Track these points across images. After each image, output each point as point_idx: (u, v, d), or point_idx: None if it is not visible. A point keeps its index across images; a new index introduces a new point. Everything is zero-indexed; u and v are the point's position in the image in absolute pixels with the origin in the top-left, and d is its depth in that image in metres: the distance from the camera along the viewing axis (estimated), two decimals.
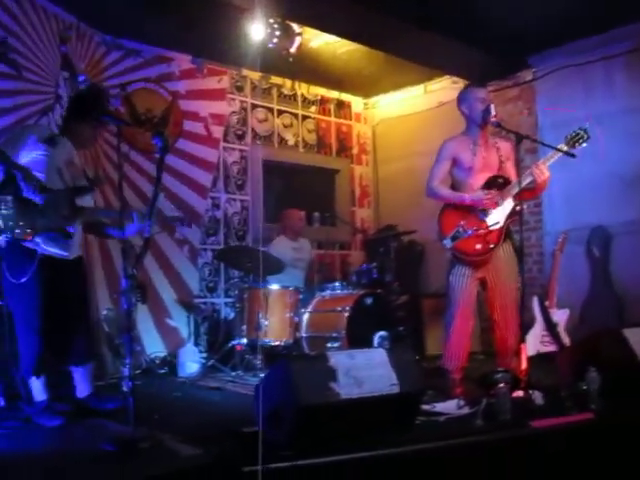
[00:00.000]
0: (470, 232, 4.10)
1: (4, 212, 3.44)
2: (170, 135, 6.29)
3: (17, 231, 3.44)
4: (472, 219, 4.16)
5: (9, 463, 2.82)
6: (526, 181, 4.02)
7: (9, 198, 3.42)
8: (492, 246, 4.15)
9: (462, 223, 4.13)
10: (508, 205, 4.17)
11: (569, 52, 6.22)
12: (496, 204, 4.15)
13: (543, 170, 4.04)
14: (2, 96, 4.92)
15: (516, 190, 4.10)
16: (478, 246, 4.15)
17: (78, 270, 3.85)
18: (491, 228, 4.13)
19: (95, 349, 4.06)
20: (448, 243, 4.14)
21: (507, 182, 4.21)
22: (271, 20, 5.41)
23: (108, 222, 3.94)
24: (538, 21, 5.52)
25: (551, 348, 5.58)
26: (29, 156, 3.56)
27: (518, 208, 4.10)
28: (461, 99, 4.34)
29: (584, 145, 4.02)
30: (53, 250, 3.61)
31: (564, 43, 6.19)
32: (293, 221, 6.55)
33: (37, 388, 3.57)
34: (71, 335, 3.73)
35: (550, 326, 5.62)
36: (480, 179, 4.25)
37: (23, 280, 3.48)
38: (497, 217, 4.15)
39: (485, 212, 4.17)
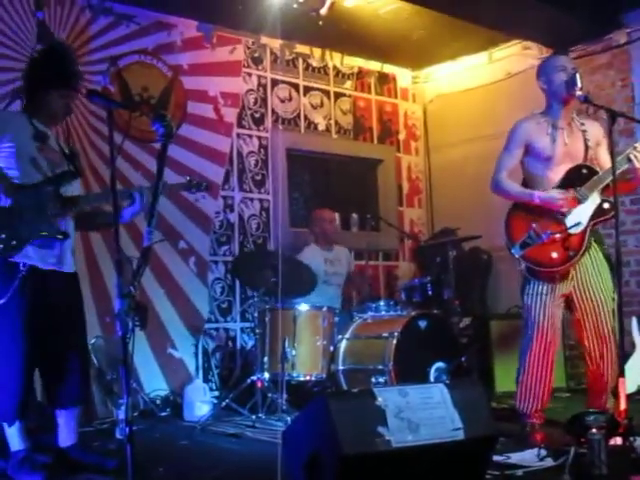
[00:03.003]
0: (544, 237, 4.07)
1: None
2: (172, 119, 6.34)
3: (0, 246, 3.51)
4: (547, 221, 4.13)
5: None
6: (621, 169, 3.97)
7: None
8: (572, 254, 4.10)
9: (534, 226, 4.10)
10: (594, 202, 4.13)
11: None
12: (576, 203, 4.12)
13: None
14: None
15: (606, 181, 4.06)
16: (555, 254, 4.11)
17: (72, 288, 3.86)
18: (571, 231, 4.09)
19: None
20: (517, 251, 4.11)
21: (593, 173, 4.17)
22: None
23: (107, 208, 3.89)
24: None
25: None
26: None
27: (607, 206, 4.07)
28: (539, 71, 4.33)
29: None
30: (45, 262, 3.66)
31: None
32: (323, 224, 6.57)
33: (13, 436, 3.61)
34: (62, 370, 3.73)
35: None
36: (561, 172, 4.22)
37: (1, 302, 3.52)
38: (579, 217, 4.11)
39: (563, 212, 4.13)
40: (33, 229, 3.61)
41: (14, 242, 3.55)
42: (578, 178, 4.17)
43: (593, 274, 4.20)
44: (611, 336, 4.17)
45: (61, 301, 3.74)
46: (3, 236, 3.52)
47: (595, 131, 4.32)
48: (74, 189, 3.85)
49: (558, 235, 4.09)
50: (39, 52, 4.17)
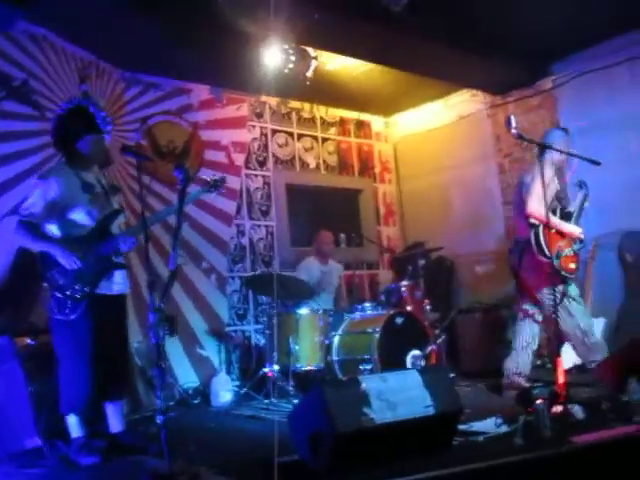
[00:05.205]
0: (568, 252, 4.42)
1: (55, 285, 3.54)
2: (192, 165, 6.35)
3: (77, 296, 3.54)
4: (568, 241, 4.47)
5: None
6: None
7: (54, 272, 3.54)
8: (576, 267, 4.50)
9: (561, 244, 4.40)
10: None
11: (590, 57, 6.18)
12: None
13: None
14: (28, 137, 5.03)
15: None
16: (572, 265, 4.44)
17: (121, 306, 3.86)
18: (576, 252, 4.53)
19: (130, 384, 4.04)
20: (557, 261, 4.34)
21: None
22: (286, 46, 5.45)
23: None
24: (556, 28, 5.48)
25: None
26: (58, 224, 3.63)
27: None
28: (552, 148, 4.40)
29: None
30: (110, 290, 3.69)
31: (584, 48, 6.18)
32: (323, 243, 6.53)
33: (73, 425, 3.57)
34: (112, 371, 3.70)
35: None
36: None
37: (72, 318, 3.53)
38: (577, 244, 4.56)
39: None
40: (98, 271, 3.63)
41: (86, 289, 3.57)
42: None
43: None
44: None
45: (114, 318, 3.75)
46: (77, 286, 3.54)
47: None
48: (120, 222, 3.85)
49: (572, 253, 4.46)
50: (65, 110, 4.10)
